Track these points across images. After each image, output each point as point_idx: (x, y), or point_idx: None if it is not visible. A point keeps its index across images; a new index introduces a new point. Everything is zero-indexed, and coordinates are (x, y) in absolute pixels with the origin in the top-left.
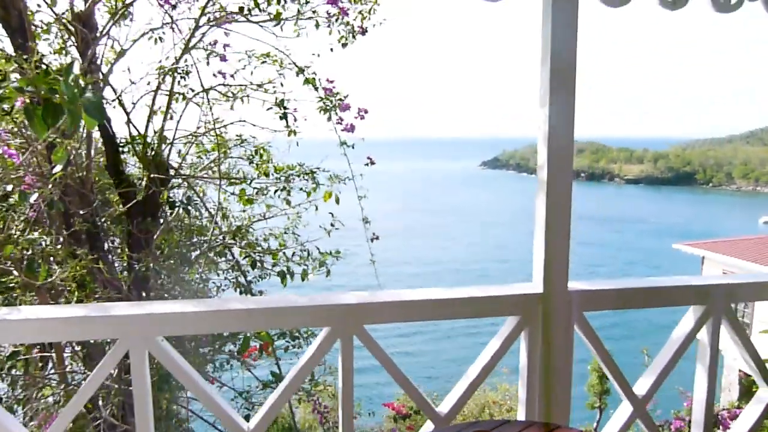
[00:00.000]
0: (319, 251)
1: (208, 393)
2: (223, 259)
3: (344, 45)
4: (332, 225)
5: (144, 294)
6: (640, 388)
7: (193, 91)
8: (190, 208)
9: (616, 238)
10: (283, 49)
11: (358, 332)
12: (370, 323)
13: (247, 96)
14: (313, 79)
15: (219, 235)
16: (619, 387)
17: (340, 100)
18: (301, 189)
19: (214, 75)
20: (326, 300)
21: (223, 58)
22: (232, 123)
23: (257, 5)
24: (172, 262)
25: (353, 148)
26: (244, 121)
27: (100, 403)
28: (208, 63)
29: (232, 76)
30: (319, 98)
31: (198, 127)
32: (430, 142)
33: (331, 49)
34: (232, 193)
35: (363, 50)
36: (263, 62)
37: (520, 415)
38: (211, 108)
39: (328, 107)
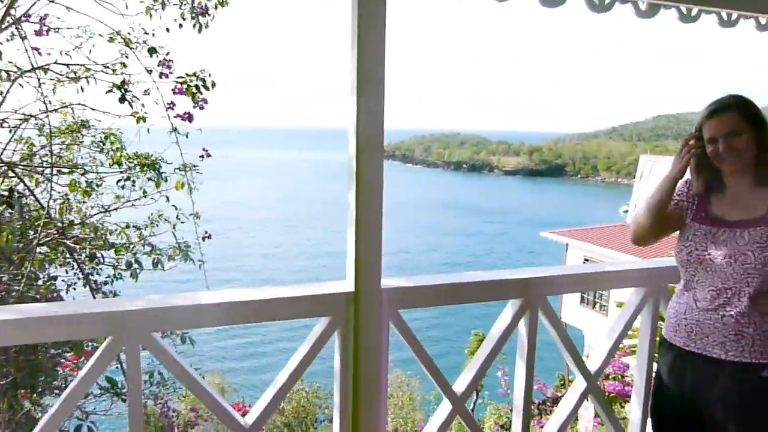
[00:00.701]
0: (176, 243)
1: None
2: (59, 255)
3: (179, 26)
4: (177, 218)
5: None
6: (460, 385)
7: (20, 69)
8: (12, 201)
9: (496, 228)
10: (132, 27)
11: (145, 341)
12: (159, 330)
13: (91, 77)
14: (168, 60)
15: (52, 230)
16: (437, 385)
17: (203, 82)
18: (149, 179)
19: (35, 50)
20: (107, 306)
21: (39, 33)
22: (67, 106)
23: None
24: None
25: (187, 137)
26: (84, 104)
27: None
28: (24, 37)
29: (67, 53)
30: (177, 81)
31: (16, 110)
32: (315, 133)
33: (167, 30)
34: (58, 183)
35: (241, 34)
36: (111, 40)
37: (335, 422)
38: (48, 89)
39: (192, 91)
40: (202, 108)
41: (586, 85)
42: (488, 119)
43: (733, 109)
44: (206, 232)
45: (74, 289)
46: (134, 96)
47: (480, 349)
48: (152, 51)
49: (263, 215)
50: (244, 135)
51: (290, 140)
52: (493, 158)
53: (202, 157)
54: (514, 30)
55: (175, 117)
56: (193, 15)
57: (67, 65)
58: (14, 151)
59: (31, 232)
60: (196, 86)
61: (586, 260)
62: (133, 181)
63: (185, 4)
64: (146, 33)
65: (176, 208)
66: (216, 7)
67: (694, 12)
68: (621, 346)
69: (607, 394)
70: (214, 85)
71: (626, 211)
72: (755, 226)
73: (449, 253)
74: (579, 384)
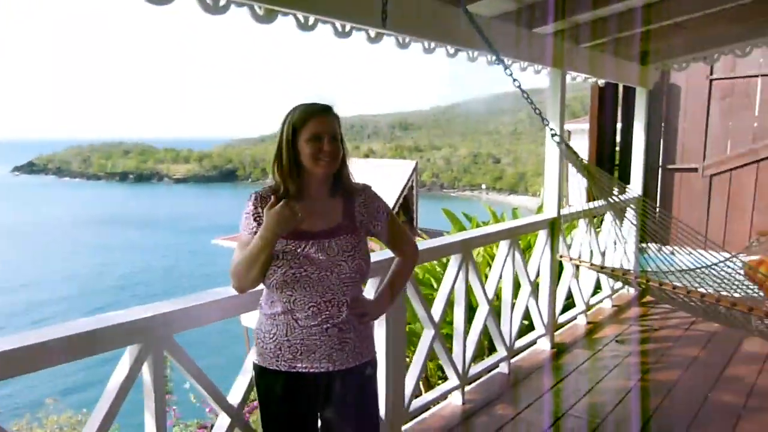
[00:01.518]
0: None
1: None
2: None
3: None
4: None
5: None
6: None
7: None
8: None
9: (172, 239)
10: None
11: None
12: None
13: None
14: None
15: None
16: None
17: None
18: None
19: None
20: None
21: None
22: None
23: None
24: None
25: None
26: None
27: None
28: None
29: None
30: None
31: None
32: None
33: None
34: None
35: None
36: None
37: None
38: None
39: None
40: None
41: (252, 92)
42: (151, 126)
43: (333, 114)
44: None
45: None
46: None
47: (93, 412)
48: None
49: None
50: None
51: None
52: (162, 166)
53: None
54: (157, 35)
55: None
56: None
57: None
58: None
59: None
60: None
61: None
62: None
63: None
64: None
65: None
66: None
67: (311, 21)
68: None
69: None
70: None
71: None
72: (338, 234)
73: (125, 273)
74: (223, 422)
